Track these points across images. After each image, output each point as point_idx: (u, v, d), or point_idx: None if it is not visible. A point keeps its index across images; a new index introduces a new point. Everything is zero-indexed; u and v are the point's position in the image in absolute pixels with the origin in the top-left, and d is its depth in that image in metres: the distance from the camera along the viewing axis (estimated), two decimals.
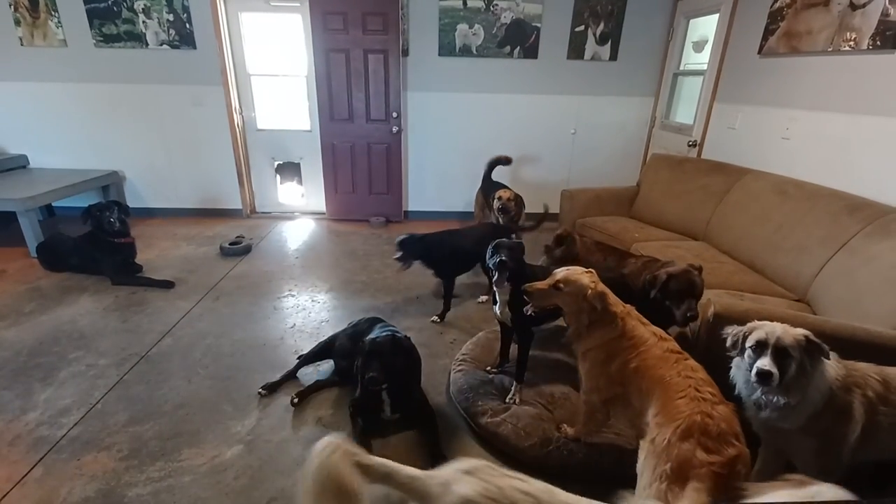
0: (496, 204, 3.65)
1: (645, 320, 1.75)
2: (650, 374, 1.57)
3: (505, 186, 4.16)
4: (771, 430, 1.56)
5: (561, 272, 1.79)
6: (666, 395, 1.49)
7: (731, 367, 1.62)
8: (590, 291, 1.71)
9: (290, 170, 5.30)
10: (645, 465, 1.46)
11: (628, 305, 1.79)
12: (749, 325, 1.54)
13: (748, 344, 1.50)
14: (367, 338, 2.12)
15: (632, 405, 1.67)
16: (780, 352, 1.43)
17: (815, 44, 2.96)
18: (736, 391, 1.59)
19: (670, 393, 1.48)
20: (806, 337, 1.43)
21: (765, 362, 1.43)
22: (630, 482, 1.87)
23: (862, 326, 1.73)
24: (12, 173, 4.65)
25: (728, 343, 1.56)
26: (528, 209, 4.08)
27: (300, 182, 5.36)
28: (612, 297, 1.75)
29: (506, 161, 4.42)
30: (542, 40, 4.68)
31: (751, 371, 1.46)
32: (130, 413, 2.22)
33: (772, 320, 1.74)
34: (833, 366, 1.47)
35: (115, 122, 4.84)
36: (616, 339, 1.69)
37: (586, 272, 1.79)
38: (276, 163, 5.28)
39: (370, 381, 1.94)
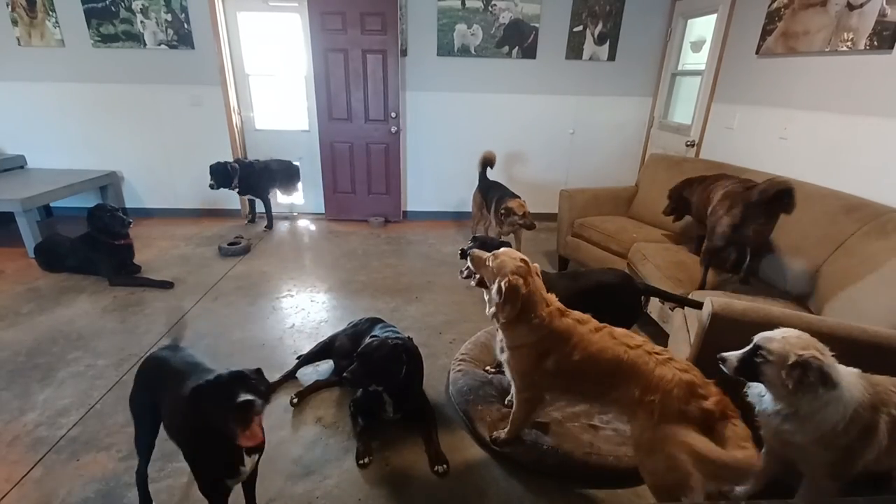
0: (514, 218, 3.64)
1: (566, 310, 1.74)
2: (604, 357, 1.60)
3: (503, 186, 4.17)
4: (781, 439, 1.53)
5: (502, 250, 1.80)
6: (639, 373, 1.53)
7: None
8: (506, 280, 1.64)
9: (222, 175, 4.54)
10: (662, 439, 1.45)
11: (550, 296, 1.75)
12: (758, 336, 1.50)
13: (759, 359, 1.46)
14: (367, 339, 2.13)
15: (586, 390, 1.72)
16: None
17: (813, 44, 2.97)
18: (749, 401, 1.59)
19: (641, 369, 1.53)
20: (805, 359, 1.37)
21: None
22: (625, 481, 1.88)
23: (859, 326, 1.73)
24: (10, 174, 4.64)
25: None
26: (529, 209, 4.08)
27: (241, 186, 4.66)
28: (539, 295, 1.70)
29: (489, 161, 4.43)
30: (541, 40, 4.69)
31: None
32: (129, 413, 2.21)
33: (770, 320, 1.76)
34: (857, 385, 1.43)
35: (113, 123, 4.83)
36: (544, 337, 1.68)
37: (522, 261, 1.72)
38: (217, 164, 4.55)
39: (345, 381, 2.00)
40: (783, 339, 1.43)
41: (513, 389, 1.91)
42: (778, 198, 2.33)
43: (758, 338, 1.47)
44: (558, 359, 1.67)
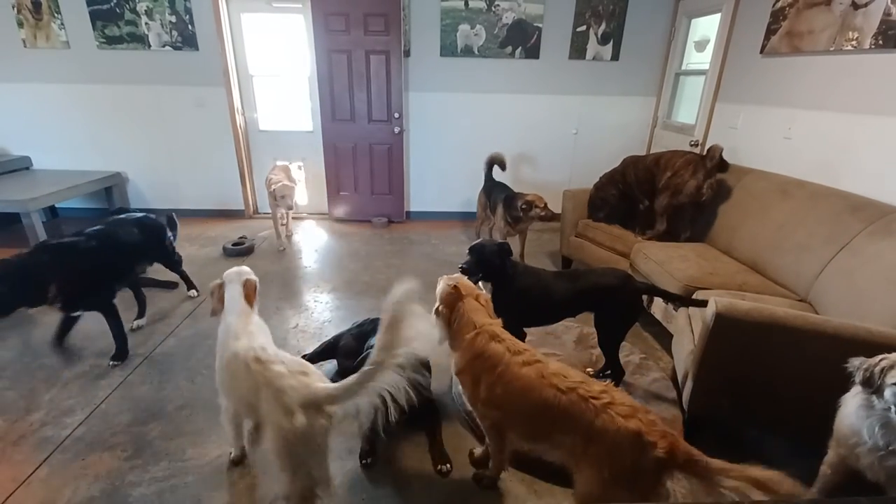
0: (536, 211, 3.67)
1: (502, 336, 1.65)
2: (532, 397, 1.47)
3: (507, 186, 4.17)
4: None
5: (442, 281, 1.83)
6: (577, 421, 1.39)
7: (839, 405, 1.49)
8: (435, 307, 1.75)
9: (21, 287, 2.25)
10: (621, 492, 1.34)
11: (493, 321, 1.71)
12: (888, 358, 1.33)
13: (891, 380, 1.28)
14: (367, 349, 2.13)
15: (522, 430, 1.61)
16: None
17: (818, 43, 2.96)
18: (851, 434, 1.44)
19: (578, 417, 1.38)
20: None
21: None
22: None
23: (864, 326, 1.72)
24: (16, 174, 4.67)
25: (859, 379, 1.38)
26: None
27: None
28: (467, 318, 1.69)
29: (494, 161, 4.43)
30: (544, 40, 4.69)
31: None
32: (134, 413, 2.23)
33: (774, 320, 1.75)
34: None
35: (117, 124, 4.85)
36: (473, 358, 1.63)
37: (453, 288, 1.76)
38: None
39: None
40: None
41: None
42: (720, 161, 3.12)
43: None
44: (487, 387, 1.58)
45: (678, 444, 1.30)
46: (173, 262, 3.27)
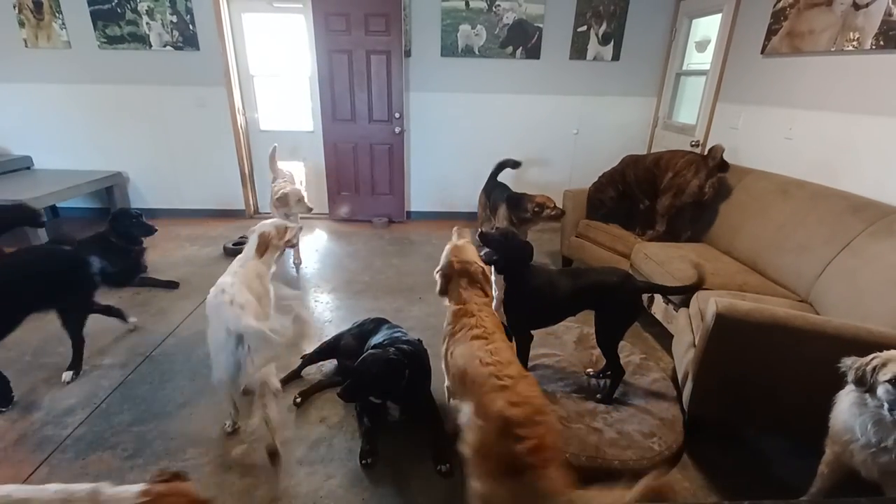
0: (547, 211, 3.63)
1: (474, 312, 1.75)
2: (460, 364, 1.59)
3: (507, 187, 4.18)
4: (891, 473, 1.40)
5: (454, 249, 1.97)
6: (475, 393, 1.46)
7: (833, 403, 1.51)
8: (439, 268, 1.91)
9: None
10: (476, 466, 1.41)
11: (480, 299, 1.82)
12: (880, 356, 1.36)
13: (883, 378, 1.32)
14: (368, 350, 2.13)
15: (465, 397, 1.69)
16: None
17: (818, 44, 2.96)
18: (844, 432, 1.46)
19: (477, 389, 1.46)
20: None
21: None
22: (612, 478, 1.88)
23: (865, 326, 1.72)
24: (17, 174, 4.68)
25: (851, 378, 1.41)
26: None
27: None
28: (453, 290, 1.85)
29: (514, 165, 4.41)
30: (545, 41, 4.69)
31: (891, 411, 1.31)
32: (135, 413, 2.24)
33: (775, 320, 1.75)
34: None
35: (118, 124, 4.86)
36: (451, 320, 1.78)
37: (450, 261, 1.90)
38: None
39: (339, 397, 2.02)
40: None
41: None
42: (722, 161, 3.13)
43: None
44: (447, 347, 1.75)
45: (545, 447, 1.28)
46: (74, 314, 2.43)
